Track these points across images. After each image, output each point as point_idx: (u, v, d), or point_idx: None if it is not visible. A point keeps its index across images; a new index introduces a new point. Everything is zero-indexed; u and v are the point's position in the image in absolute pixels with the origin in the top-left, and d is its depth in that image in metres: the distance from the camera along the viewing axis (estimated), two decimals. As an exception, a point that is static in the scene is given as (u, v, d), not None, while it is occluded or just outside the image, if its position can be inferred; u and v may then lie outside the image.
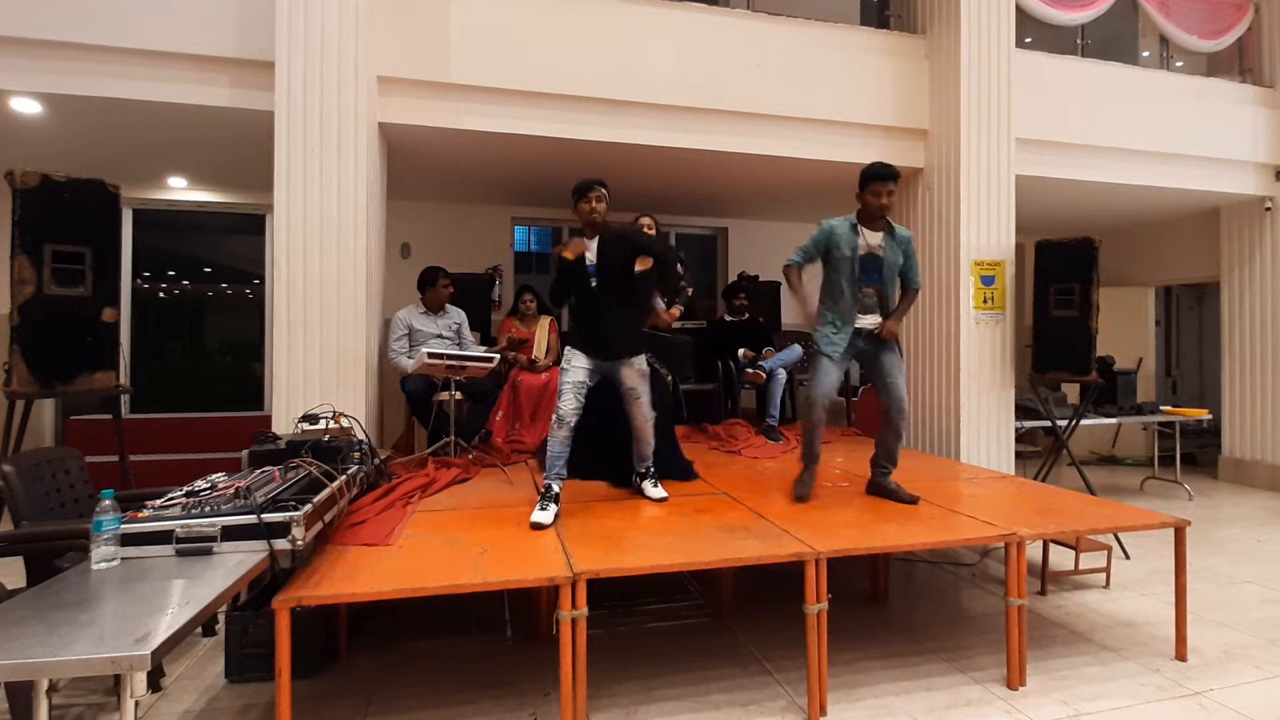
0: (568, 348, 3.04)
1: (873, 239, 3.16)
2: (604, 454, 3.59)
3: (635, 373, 3.04)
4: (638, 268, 2.97)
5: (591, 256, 3.00)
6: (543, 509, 2.77)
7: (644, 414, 3.09)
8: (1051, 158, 5.05)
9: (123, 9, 3.56)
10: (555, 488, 2.86)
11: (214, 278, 6.43)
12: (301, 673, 2.43)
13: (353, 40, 3.61)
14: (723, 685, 2.58)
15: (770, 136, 4.56)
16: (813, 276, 3.26)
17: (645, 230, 3.88)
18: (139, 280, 5.84)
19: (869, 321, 3.21)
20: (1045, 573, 3.62)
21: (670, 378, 3.96)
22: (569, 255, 3.01)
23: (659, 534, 2.64)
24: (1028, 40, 5.25)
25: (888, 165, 3.13)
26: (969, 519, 2.86)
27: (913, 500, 3.12)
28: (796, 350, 5.06)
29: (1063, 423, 4.75)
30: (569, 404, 2.91)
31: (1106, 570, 3.69)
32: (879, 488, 3.25)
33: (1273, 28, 5.98)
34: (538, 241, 7.25)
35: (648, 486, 3.16)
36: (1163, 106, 5.36)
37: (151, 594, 1.69)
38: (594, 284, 2.99)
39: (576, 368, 2.96)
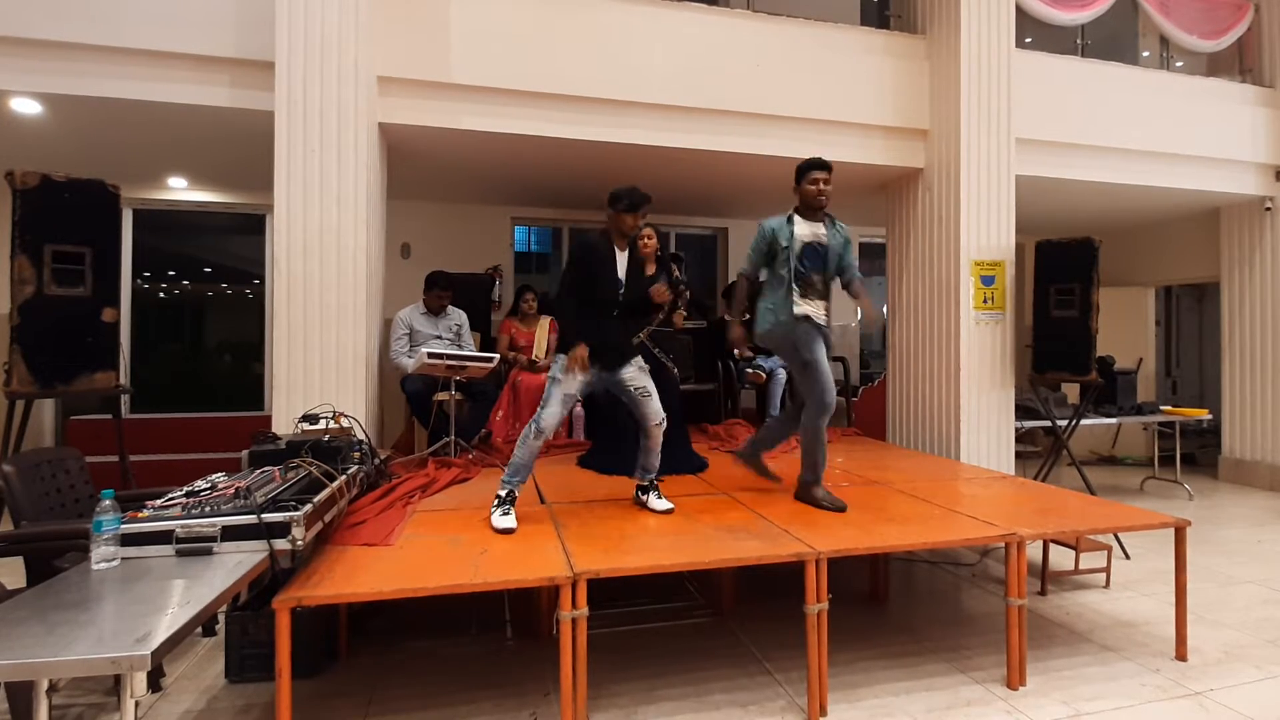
0: (564, 356, 2.84)
1: (812, 228, 3.15)
2: (627, 449, 3.63)
3: (636, 369, 2.96)
4: (655, 299, 2.96)
5: (622, 270, 2.95)
6: (505, 514, 2.70)
7: (657, 412, 2.93)
8: (1051, 158, 5.04)
9: (123, 9, 3.55)
10: (517, 492, 2.79)
11: (214, 278, 6.43)
12: (301, 673, 2.43)
13: (353, 40, 3.61)
14: (723, 685, 2.58)
15: (770, 136, 4.56)
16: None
17: (645, 241, 3.92)
18: (139, 280, 5.84)
19: (814, 309, 3.10)
20: (1045, 573, 3.62)
21: (676, 371, 3.98)
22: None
23: (659, 534, 2.64)
24: (1028, 40, 5.24)
25: (819, 158, 3.19)
26: (969, 519, 2.86)
27: (840, 508, 2.98)
28: (796, 350, 5.05)
29: (1063, 423, 4.75)
30: (554, 415, 2.81)
31: (1106, 570, 3.69)
32: (806, 494, 3.11)
33: (1273, 28, 5.98)
34: (538, 241, 7.24)
35: (651, 499, 3.00)
36: (1162, 106, 5.36)
37: (151, 594, 1.69)
38: (620, 295, 2.94)
39: (573, 381, 2.82)
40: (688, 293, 4.10)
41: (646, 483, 3.05)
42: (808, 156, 4.60)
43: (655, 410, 2.94)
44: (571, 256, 3.03)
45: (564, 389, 2.83)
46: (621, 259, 2.96)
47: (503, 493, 2.77)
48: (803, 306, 3.08)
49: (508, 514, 2.71)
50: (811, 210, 3.16)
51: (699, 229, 7.32)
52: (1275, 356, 6.00)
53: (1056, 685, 2.59)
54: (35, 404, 3.35)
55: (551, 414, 2.81)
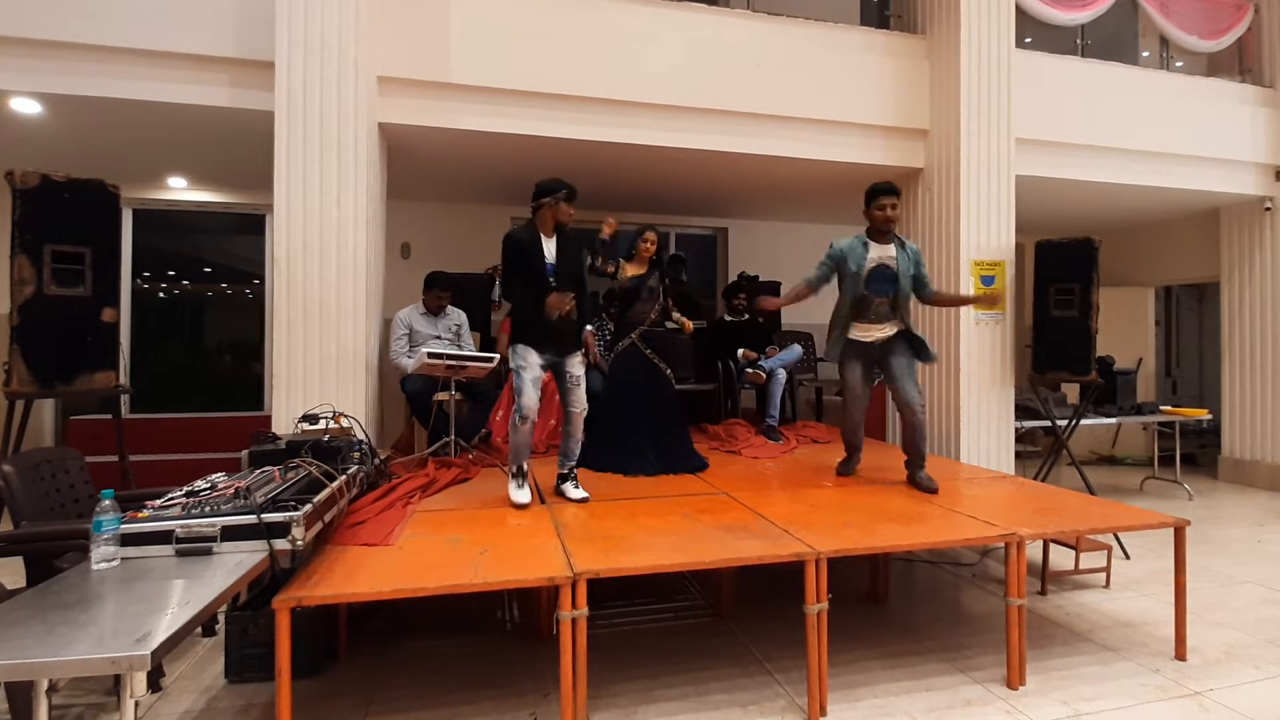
0: (519, 345, 3.06)
1: (883, 251, 3.32)
2: (636, 446, 3.70)
3: (579, 362, 3.18)
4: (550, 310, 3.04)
5: (551, 257, 3.09)
6: (521, 488, 3.02)
7: (580, 401, 3.15)
8: (1051, 158, 5.05)
9: (123, 9, 3.55)
10: (526, 468, 3.08)
11: (214, 278, 6.43)
12: (301, 673, 2.43)
13: (353, 40, 3.61)
14: (723, 685, 2.58)
15: (770, 136, 4.56)
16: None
17: (647, 244, 3.93)
18: (139, 280, 5.84)
19: (881, 332, 3.35)
20: (1045, 573, 3.62)
21: (670, 372, 3.98)
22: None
23: (659, 534, 2.63)
24: (1028, 40, 5.24)
25: (890, 182, 3.38)
26: (969, 519, 2.86)
27: (932, 490, 3.32)
28: (797, 350, 5.06)
29: (1063, 423, 4.75)
30: (531, 399, 3.01)
31: (1106, 570, 3.69)
32: (912, 480, 3.46)
33: (1273, 28, 5.98)
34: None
35: (568, 488, 3.15)
36: (1162, 106, 5.36)
37: (151, 594, 1.69)
38: (553, 283, 3.06)
39: (533, 364, 3.04)
40: (670, 301, 4.10)
41: (566, 470, 3.19)
42: (811, 157, 4.70)
43: (579, 399, 3.16)
44: (503, 253, 3.15)
45: (529, 374, 3.01)
46: (550, 246, 3.10)
47: (513, 469, 3.06)
48: (856, 331, 3.36)
49: (522, 487, 3.03)
50: (881, 234, 3.34)
51: (699, 229, 7.31)
52: (1275, 356, 6.01)
53: (1056, 685, 2.59)
54: (35, 404, 3.35)
55: (527, 399, 3.00)
